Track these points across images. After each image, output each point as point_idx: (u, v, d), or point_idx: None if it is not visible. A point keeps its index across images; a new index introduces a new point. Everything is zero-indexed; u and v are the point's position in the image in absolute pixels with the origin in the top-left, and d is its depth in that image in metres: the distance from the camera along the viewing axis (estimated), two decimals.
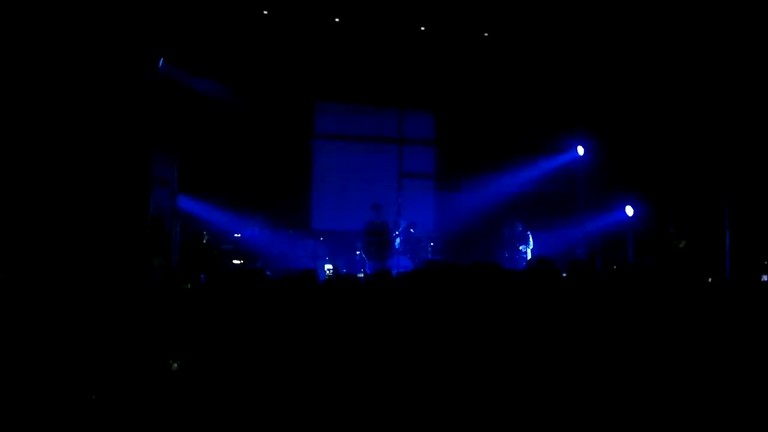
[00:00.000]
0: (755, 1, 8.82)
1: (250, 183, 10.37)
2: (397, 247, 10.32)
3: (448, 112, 11.83)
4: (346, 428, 2.71)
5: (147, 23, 7.43)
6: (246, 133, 10.50)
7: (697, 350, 3.21)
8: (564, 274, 4.17)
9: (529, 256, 10.62)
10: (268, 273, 4.61)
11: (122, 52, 7.11)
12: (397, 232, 10.33)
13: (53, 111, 6.68)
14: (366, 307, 3.42)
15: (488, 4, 9.83)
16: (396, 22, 10.26)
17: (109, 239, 6.74)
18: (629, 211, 10.48)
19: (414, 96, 11.48)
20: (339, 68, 10.83)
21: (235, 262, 9.69)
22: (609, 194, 10.98)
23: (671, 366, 3.09)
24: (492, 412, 2.79)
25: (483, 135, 11.60)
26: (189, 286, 4.86)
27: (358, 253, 10.31)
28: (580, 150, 11.47)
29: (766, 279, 8.01)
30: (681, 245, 9.41)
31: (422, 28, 10.45)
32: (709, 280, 6.56)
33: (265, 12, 9.83)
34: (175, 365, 2.98)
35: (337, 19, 10.11)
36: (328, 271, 10.10)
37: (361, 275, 9.25)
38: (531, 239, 10.80)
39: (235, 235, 9.94)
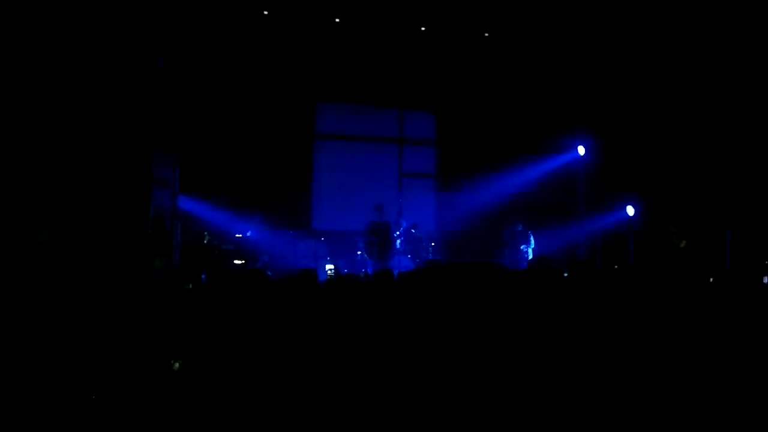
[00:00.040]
0: (755, 2, 8.82)
1: (251, 183, 10.38)
2: (398, 247, 10.32)
3: (449, 112, 11.83)
4: (347, 428, 2.71)
5: (148, 23, 7.43)
6: (247, 134, 10.50)
7: (697, 350, 3.20)
8: (565, 274, 4.18)
9: (530, 256, 10.62)
10: (269, 273, 4.61)
11: (123, 53, 7.11)
12: (398, 233, 10.33)
13: (54, 111, 6.69)
14: (367, 307, 3.42)
15: (488, 5, 9.84)
16: (397, 23, 10.27)
17: (110, 240, 6.74)
18: (630, 210, 10.49)
19: (415, 96, 11.49)
20: (340, 68, 10.84)
21: (237, 262, 9.69)
22: (609, 194, 10.98)
23: (671, 365, 3.09)
24: (494, 411, 2.79)
25: (484, 135, 11.59)
26: (190, 286, 4.86)
27: (359, 253, 10.32)
28: (581, 150, 11.49)
29: (767, 281, 7.97)
30: (682, 245, 9.40)
31: (423, 29, 10.45)
32: (710, 280, 6.55)
33: (266, 12, 9.84)
34: (177, 365, 2.98)
35: (337, 20, 10.12)
36: (329, 271, 10.10)
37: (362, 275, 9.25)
38: (532, 239, 10.80)
39: (236, 235, 9.94)
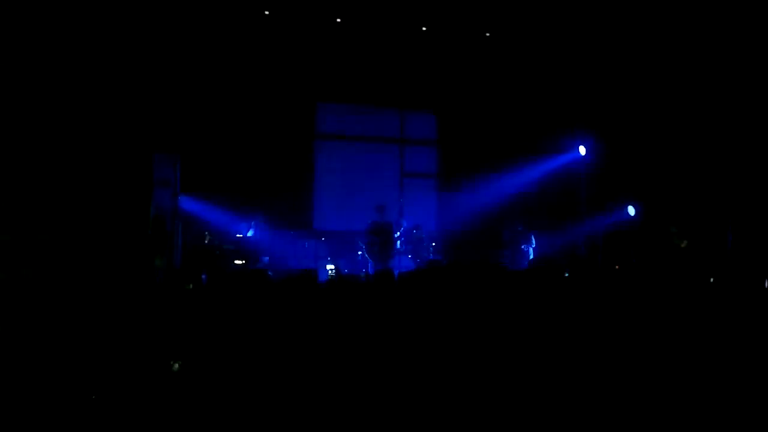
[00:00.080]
0: (755, 2, 8.81)
1: (251, 183, 10.37)
2: (399, 247, 10.32)
3: (449, 113, 11.82)
4: (348, 427, 2.70)
5: (147, 23, 7.43)
6: (248, 134, 10.50)
7: (697, 350, 3.20)
8: (566, 274, 4.17)
9: (531, 256, 10.62)
10: (270, 273, 4.61)
11: (123, 53, 7.11)
12: (398, 233, 10.34)
13: (54, 112, 6.69)
14: (368, 307, 3.41)
15: (489, 5, 9.84)
16: (397, 23, 10.27)
17: (110, 240, 6.73)
18: (631, 210, 10.48)
19: (415, 96, 11.48)
20: (341, 68, 10.84)
21: (237, 262, 9.68)
22: (610, 194, 10.98)
23: (672, 365, 3.08)
24: (495, 410, 2.79)
25: (485, 135, 11.59)
26: (191, 286, 4.86)
27: (360, 253, 10.32)
28: (582, 150, 11.49)
29: None
30: (683, 245, 9.40)
31: (423, 29, 10.45)
32: (711, 280, 6.54)
33: (267, 12, 9.84)
34: (177, 365, 2.98)
35: (338, 20, 10.12)
36: (330, 271, 10.09)
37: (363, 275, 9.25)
38: (533, 239, 10.80)
39: (237, 235, 9.94)
